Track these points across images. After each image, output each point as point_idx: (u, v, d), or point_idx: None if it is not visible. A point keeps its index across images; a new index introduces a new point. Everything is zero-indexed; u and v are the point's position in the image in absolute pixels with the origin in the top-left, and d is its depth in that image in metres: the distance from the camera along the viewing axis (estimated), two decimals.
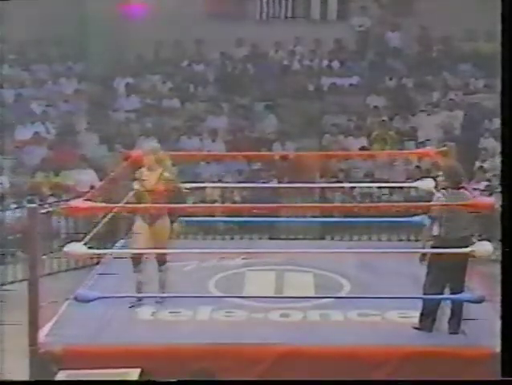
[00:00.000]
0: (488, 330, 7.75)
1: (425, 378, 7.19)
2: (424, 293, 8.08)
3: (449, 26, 17.26)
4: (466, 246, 7.88)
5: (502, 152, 6.07)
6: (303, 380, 6.42)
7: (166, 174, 8.88)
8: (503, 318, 5.74)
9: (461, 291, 7.91)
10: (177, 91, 17.50)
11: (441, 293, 8.00)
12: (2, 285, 10.89)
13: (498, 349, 6.94)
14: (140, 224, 8.88)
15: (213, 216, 13.00)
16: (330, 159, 14.90)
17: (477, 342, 7.74)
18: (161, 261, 8.85)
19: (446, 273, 7.93)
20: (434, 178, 10.01)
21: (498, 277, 6.57)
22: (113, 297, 8.31)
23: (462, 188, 8.19)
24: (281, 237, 13.03)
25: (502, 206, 6.02)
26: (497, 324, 7.64)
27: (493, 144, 15.22)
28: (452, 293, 7.97)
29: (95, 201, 8.37)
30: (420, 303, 8.17)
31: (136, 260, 8.79)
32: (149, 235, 8.82)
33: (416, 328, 8.07)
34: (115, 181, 10.28)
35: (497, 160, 14.59)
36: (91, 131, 16.18)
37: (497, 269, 9.57)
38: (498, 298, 6.75)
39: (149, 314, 8.47)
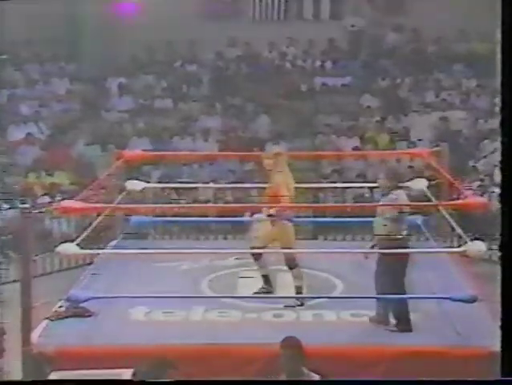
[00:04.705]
0: (481, 329, 7.77)
1: (418, 377, 7.18)
2: (382, 292, 8.08)
3: (443, 27, 17.30)
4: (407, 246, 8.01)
5: (502, 152, 6.06)
6: (300, 380, 6.40)
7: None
8: (503, 318, 5.73)
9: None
10: (170, 91, 17.50)
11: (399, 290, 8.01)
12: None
13: (493, 348, 6.96)
14: (263, 223, 8.85)
15: (207, 216, 12.99)
16: (322, 159, 14.91)
17: (470, 341, 7.74)
18: (290, 264, 8.78)
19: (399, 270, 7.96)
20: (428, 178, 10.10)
21: (490, 277, 6.57)
22: (105, 297, 8.30)
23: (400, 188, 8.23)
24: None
25: (502, 206, 6.02)
26: (490, 323, 7.68)
27: (487, 145, 15.27)
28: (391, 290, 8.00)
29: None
30: (416, 303, 8.21)
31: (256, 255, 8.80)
32: (271, 235, 8.78)
33: (393, 330, 8.06)
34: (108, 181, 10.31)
35: (490, 159, 14.62)
36: (84, 132, 16.18)
37: (488, 268, 9.62)
38: (491, 298, 6.75)
39: (142, 315, 8.46)
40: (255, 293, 8.88)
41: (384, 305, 8.13)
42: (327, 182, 14.02)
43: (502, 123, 5.98)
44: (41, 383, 5.84)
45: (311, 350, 7.55)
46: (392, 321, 8.09)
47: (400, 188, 8.27)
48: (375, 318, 8.17)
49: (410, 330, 8.01)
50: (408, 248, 8.14)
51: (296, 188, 9.06)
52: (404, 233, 8.12)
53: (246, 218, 9.93)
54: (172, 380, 5.50)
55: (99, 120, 16.77)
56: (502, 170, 6.13)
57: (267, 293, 8.88)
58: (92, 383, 6.06)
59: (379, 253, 8.11)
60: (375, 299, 8.21)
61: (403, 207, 8.14)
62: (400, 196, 8.20)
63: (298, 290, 8.77)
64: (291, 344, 5.94)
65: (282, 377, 5.81)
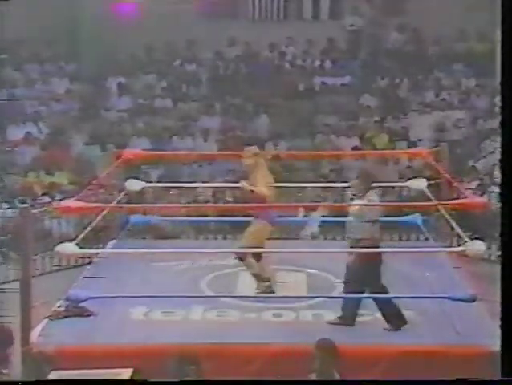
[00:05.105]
0: (481, 328, 7.78)
1: (417, 377, 7.18)
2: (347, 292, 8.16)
3: (442, 27, 17.32)
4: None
5: (502, 152, 6.05)
6: (301, 380, 6.41)
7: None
8: (503, 318, 5.72)
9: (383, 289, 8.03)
10: (170, 91, 17.50)
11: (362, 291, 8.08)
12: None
13: (492, 347, 6.97)
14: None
15: (206, 216, 12.99)
16: (322, 158, 14.90)
17: (469, 340, 7.75)
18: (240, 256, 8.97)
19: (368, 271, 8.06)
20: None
21: (489, 276, 6.57)
22: (105, 297, 8.30)
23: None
24: (273, 236, 13.00)
25: (502, 206, 6.00)
26: (490, 323, 7.68)
27: (486, 144, 15.28)
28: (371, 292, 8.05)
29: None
30: (415, 303, 8.23)
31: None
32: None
33: (390, 330, 8.09)
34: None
35: (490, 159, 14.63)
36: (83, 131, 16.18)
37: (487, 268, 9.63)
38: (490, 297, 6.75)
39: (142, 314, 8.46)
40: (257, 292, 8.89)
41: (352, 307, 8.15)
42: (325, 182, 14.00)
43: (502, 123, 5.97)
44: (41, 383, 5.84)
45: (311, 350, 7.60)
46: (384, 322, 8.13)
47: (373, 188, 8.32)
48: (337, 321, 8.18)
49: (404, 325, 8.02)
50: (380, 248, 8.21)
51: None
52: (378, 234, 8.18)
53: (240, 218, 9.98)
54: (173, 380, 5.51)
55: (99, 120, 16.77)
56: (502, 170, 6.12)
57: (269, 292, 8.89)
58: (92, 383, 6.06)
59: (349, 254, 8.18)
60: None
61: (381, 208, 8.26)
62: (374, 198, 8.26)
63: (257, 278, 8.88)
64: (326, 346, 5.85)
65: (313, 377, 5.75)
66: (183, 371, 5.37)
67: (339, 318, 8.20)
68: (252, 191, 8.78)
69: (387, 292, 8.13)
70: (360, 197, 8.22)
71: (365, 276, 8.02)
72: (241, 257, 8.93)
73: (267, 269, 9.00)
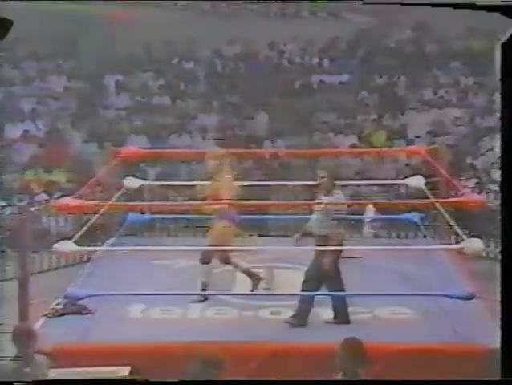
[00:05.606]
0: (479, 327, 7.78)
1: (416, 375, 7.18)
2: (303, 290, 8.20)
3: (441, 25, 17.33)
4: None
5: (502, 150, 6.06)
6: (299, 380, 6.40)
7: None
8: (503, 317, 5.73)
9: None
10: (168, 89, 17.50)
11: (317, 289, 8.13)
12: None
13: (491, 346, 6.97)
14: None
15: (204, 213, 12.96)
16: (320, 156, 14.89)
17: (468, 339, 7.74)
18: (223, 261, 8.96)
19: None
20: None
21: (488, 275, 6.57)
22: (103, 295, 8.30)
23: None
24: (271, 234, 13.02)
25: (502, 204, 6.01)
26: (488, 321, 7.69)
27: (485, 142, 15.29)
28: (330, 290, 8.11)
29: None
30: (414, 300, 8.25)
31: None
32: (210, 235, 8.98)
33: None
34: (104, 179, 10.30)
35: (488, 157, 14.63)
36: (81, 129, 16.17)
37: (485, 265, 9.62)
38: (488, 295, 6.75)
39: (140, 312, 8.45)
40: (251, 290, 8.90)
41: (306, 306, 8.16)
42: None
43: (502, 121, 5.97)
44: (40, 383, 5.83)
45: (310, 349, 7.62)
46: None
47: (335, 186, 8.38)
48: (292, 320, 8.19)
49: (348, 323, 8.09)
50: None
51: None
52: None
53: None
54: (173, 380, 5.48)
55: (97, 118, 16.76)
56: (502, 168, 6.12)
57: (265, 289, 8.90)
58: (93, 383, 6.05)
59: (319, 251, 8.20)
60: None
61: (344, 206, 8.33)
62: (341, 196, 8.32)
63: (249, 274, 8.92)
64: (352, 346, 5.80)
65: (338, 376, 5.71)
66: (205, 374, 5.28)
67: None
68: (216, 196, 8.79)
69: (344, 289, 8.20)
70: (326, 195, 8.27)
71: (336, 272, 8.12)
72: (226, 261, 8.94)
73: (242, 265, 9.03)
